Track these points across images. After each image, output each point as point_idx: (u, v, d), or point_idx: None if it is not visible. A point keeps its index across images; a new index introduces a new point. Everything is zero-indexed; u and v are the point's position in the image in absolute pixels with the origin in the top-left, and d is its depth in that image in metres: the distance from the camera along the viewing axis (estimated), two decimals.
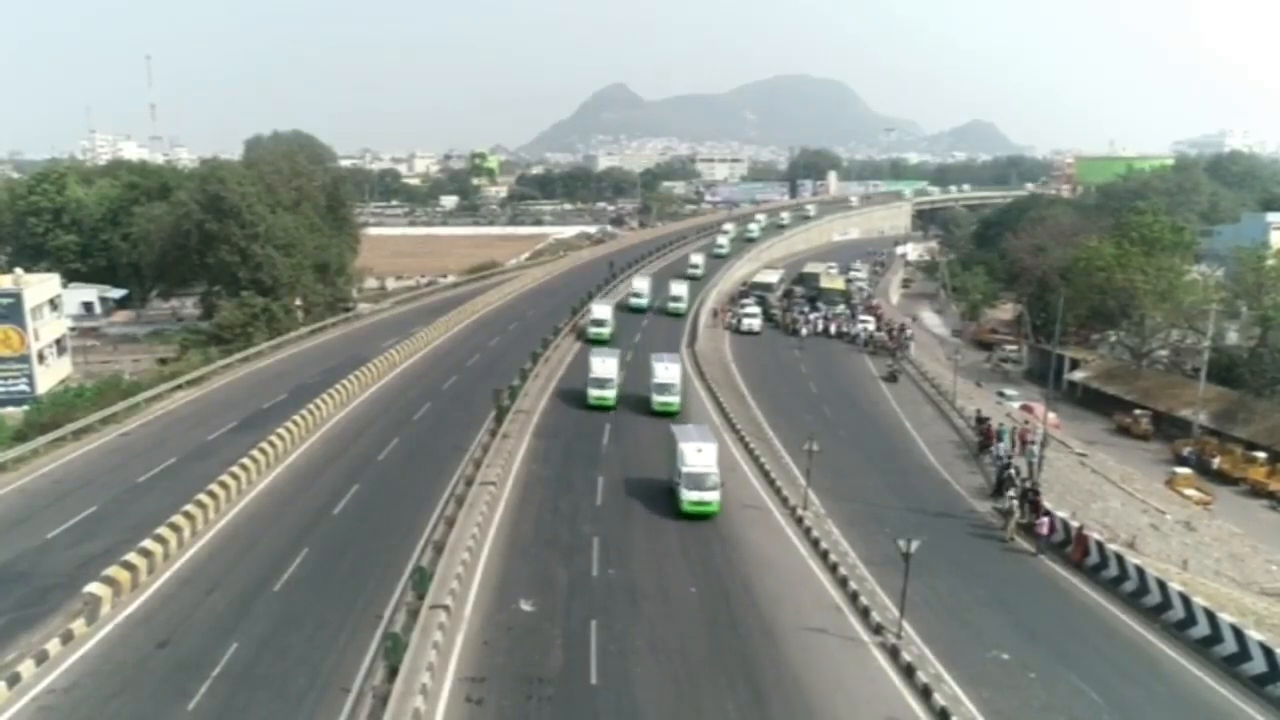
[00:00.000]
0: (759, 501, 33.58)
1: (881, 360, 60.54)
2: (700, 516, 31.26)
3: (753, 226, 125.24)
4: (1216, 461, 51.22)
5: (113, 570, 25.00)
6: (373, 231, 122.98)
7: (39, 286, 58.29)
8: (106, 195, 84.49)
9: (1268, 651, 22.42)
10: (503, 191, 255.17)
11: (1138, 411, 59.94)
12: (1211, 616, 24.29)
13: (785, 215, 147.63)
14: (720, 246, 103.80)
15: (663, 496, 33.21)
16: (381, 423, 41.77)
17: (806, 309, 73.21)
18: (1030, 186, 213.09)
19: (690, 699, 20.94)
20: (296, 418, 38.98)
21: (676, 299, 71.85)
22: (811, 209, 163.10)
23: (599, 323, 59.56)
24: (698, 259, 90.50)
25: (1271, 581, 34.14)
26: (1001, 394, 61.60)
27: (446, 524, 28.83)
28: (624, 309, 68.42)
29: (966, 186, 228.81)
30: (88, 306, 77.04)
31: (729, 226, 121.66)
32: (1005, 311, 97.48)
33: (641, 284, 73.04)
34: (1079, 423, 60.02)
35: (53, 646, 22.02)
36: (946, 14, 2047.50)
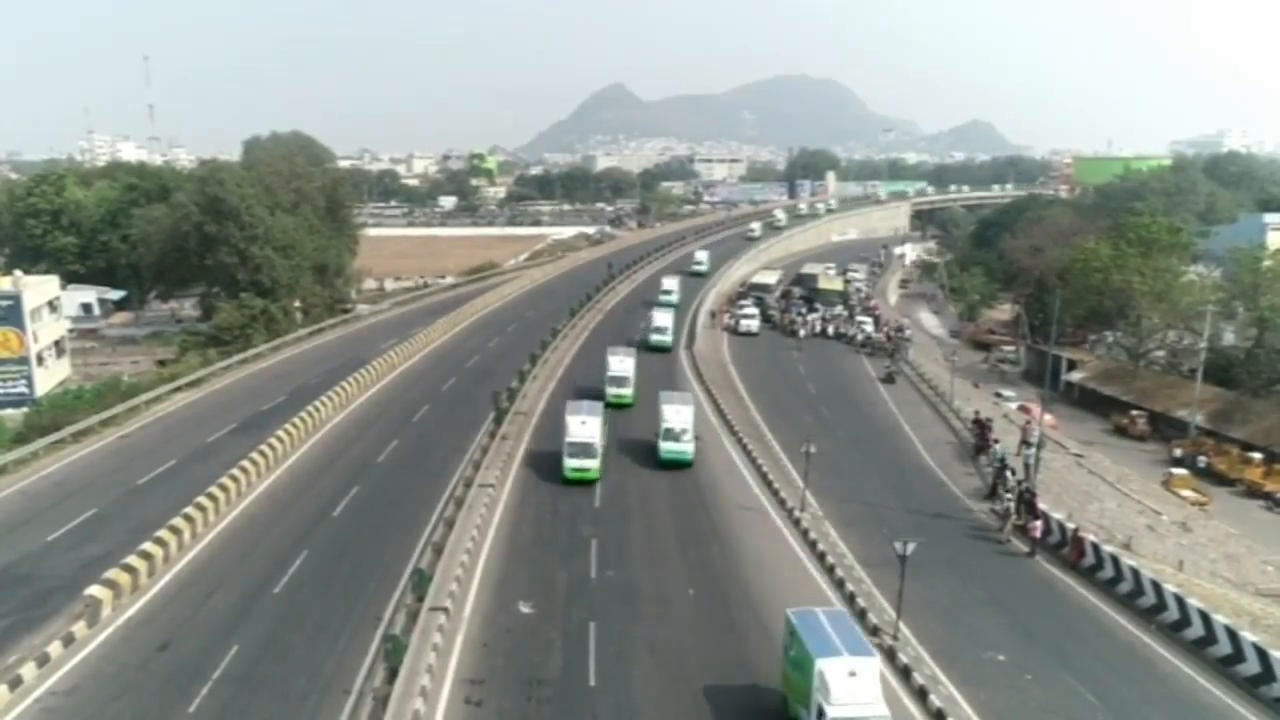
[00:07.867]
0: (756, 503, 33.68)
1: (879, 361, 60.61)
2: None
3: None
4: (1203, 460, 51.41)
5: (113, 573, 25.14)
6: (371, 232, 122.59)
7: (38, 288, 58.43)
8: (105, 197, 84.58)
9: (1261, 653, 22.58)
10: (501, 192, 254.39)
11: (1135, 412, 60.07)
12: (1206, 618, 24.43)
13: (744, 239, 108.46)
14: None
15: (661, 498, 33.66)
16: (381, 425, 41.93)
17: (804, 310, 73.20)
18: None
19: (688, 700, 21.05)
20: (296, 420, 39.16)
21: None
22: (756, 228, 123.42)
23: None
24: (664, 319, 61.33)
25: (1267, 582, 34.26)
26: (999, 395, 61.77)
27: (446, 526, 28.99)
28: None
29: (995, 187, 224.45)
30: (86, 308, 77.05)
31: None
32: (1003, 312, 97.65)
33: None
34: (1076, 423, 60.12)
35: (54, 649, 22.16)
36: (945, 14, 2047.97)
